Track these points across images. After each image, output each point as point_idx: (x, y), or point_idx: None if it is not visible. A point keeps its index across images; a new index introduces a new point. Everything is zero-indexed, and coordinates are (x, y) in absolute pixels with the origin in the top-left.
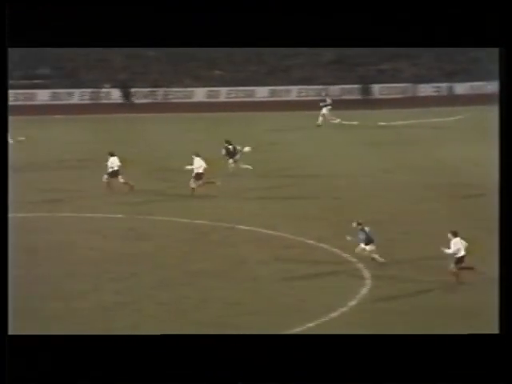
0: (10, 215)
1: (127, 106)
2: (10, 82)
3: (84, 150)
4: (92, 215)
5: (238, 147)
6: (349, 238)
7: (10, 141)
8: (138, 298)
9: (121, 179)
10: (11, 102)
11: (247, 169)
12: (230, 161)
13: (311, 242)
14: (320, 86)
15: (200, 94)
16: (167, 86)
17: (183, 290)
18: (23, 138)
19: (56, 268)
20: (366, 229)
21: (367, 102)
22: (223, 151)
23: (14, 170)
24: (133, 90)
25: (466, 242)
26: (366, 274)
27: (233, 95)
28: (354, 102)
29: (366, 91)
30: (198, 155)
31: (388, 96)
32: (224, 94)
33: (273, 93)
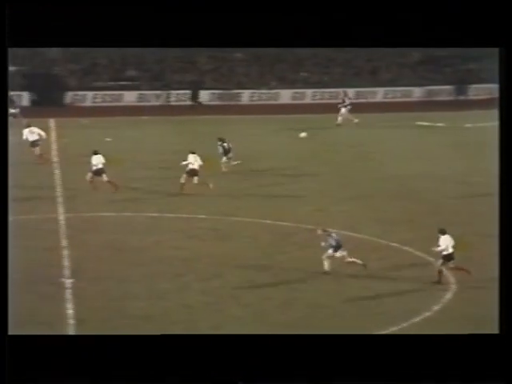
0: (100, 214)
1: (213, 107)
2: (99, 83)
3: (168, 150)
4: (176, 215)
5: (231, 145)
6: (323, 243)
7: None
8: (222, 298)
9: (105, 178)
10: (98, 103)
11: (238, 164)
12: (224, 159)
13: (395, 244)
14: (406, 88)
15: (285, 95)
16: (253, 88)
17: (266, 292)
18: (110, 139)
19: (141, 267)
20: (334, 235)
21: (454, 104)
22: (220, 149)
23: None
24: (219, 91)
25: None
26: (451, 278)
27: (318, 97)
28: (441, 103)
29: (457, 91)
30: (193, 152)
31: (477, 97)
32: (309, 95)
33: (359, 94)
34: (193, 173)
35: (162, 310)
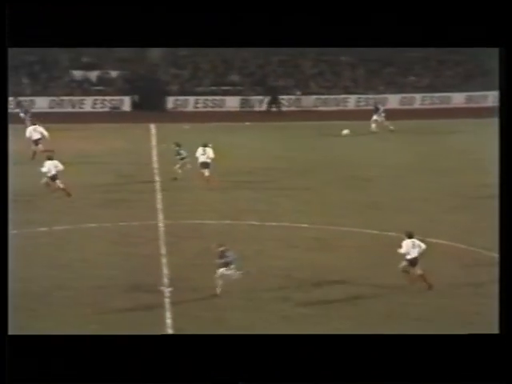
0: (201, 221)
1: (318, 112)
2: (200, 88)
3: (270, 157)
4: (278, 224)
5: (184, 151)
6: (217, 260)
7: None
8: (323, 310)
9: (60, 184)
10: (200, 108)
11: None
12: (177, 165)
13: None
14: None
15: (394, 100)
16: (360, 93)
17: (369, 304)
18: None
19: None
20: (228, 253)
21: None
22: (177, 154)
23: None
24: (324, 96)
25: None
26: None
27: (427, 102)
28: None
29: None
30: (204, 145)
31: None
32: (418, 100)
33: (470, 99)
34: (203, 166)
35: (261, 321)
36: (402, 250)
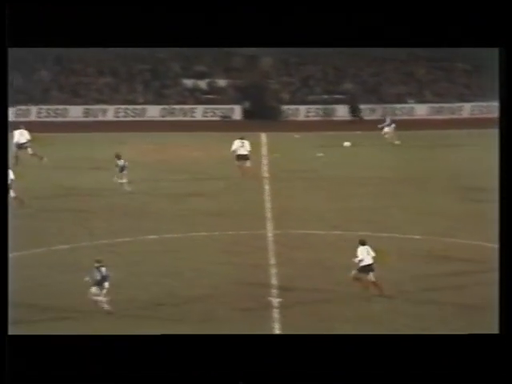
0: (310, 231)
1: (430, 121)
2: (312, 97)
3: (383, 167)
4: (389, 235)
5: (126, 163)
6: (87, 278)
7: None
8: (434, 324)
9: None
10: (311, 117)
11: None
12: (115, 178)
13: None
14: None
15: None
16: (474, 101)
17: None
18: (322, 154)
19: (349, 287)
20: (103, 269)
21: None
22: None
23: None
24: (438, 105)
25: None
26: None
27: None
28: None
29: None
30: (241, 138)
31: None
32: None
33: None
34: (242, 158)
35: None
36: (358, 258)
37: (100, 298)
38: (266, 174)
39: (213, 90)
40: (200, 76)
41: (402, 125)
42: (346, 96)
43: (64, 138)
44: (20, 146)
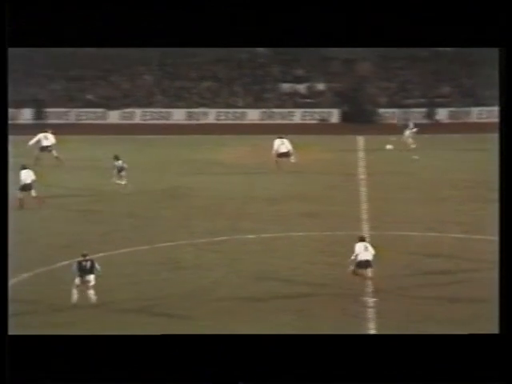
0: (405, 233)
1: None
2: (409, 101)
3: (477, 169)
4: (482, 237)
5: (125, 165)
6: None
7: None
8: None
9: (33, 193)
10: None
11: (123, 185)
12: (114, 179)
13: None
14: None
15: None
16: None
17: None
18: (417, 157)
19: (443, 288)
20: (88, 262)
21: None
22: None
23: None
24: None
25: None
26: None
27: None
28: None
29: None
30: (280, 137)
31: None
32: None
33: None
34: (284, 155)
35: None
36: (355, 253)
37: (81, 289)
38: (362, 176)
39: (311, 93)
40: (298, 80)
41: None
42: (444, 99)
43: (168, 140)
44: (43, 149)
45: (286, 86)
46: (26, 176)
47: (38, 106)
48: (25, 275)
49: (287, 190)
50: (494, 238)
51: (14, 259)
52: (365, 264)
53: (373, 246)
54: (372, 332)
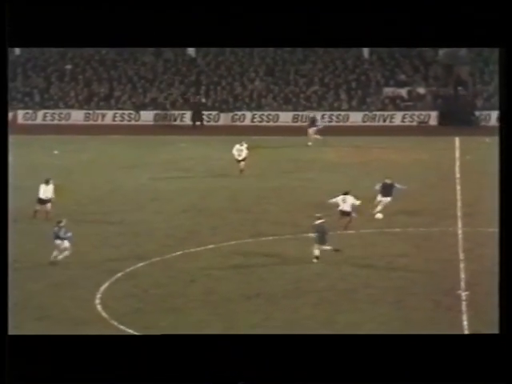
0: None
1: None
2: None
3: None
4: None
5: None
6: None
7: None
8: None
9: (48, 207)
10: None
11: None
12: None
13: None
14: None
15: None
16: None
17: None
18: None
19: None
20: (63, 229)
21: None
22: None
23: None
24: None
25: None
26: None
27: None
28: None
29: None
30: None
31: None
32: None
33: None
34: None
35: None
36: (332, 201)
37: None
38: (457, 175)
39: (412, 97)
40: (400, 85)
41: None
42: None
43: (274, 141)
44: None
45: (387, 90)
46: (46, 191)
47: (162, 108)
48: (141, 264)
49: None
50: None
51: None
52: (344, 213)
53: (468, 241)
54: (465, 324)
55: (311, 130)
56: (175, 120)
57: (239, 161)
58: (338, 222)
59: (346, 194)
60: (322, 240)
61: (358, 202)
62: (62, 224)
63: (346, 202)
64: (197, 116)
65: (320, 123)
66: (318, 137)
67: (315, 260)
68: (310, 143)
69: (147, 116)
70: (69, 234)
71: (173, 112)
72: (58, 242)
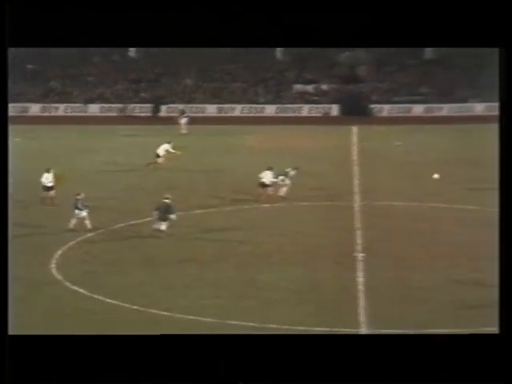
0: (392, 203)
1: None
2: (396, 98)
3: (445, 151)
4: (451, 206)
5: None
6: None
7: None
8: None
9: (52, 194)
10: (393, 113)
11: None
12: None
13: None
14: None
15: None
16: None
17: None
18: (400, 143)
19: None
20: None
21: None
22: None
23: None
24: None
25: None
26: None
27: None
28: None
29: None
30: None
31: None
32: None
33: None
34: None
35: (437, 287)
36: (261, 175)
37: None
38: (355, 158)
39: (317, 92)
40: (308, 82)
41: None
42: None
43: (202, 130)
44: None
45: (297, 87)
46: (46, 179)
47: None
48: (91, 234)
49: (304, 168)
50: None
51: None
52: (263, 185)
53: (365, 214)
54: (360, 283)
55: (182, 121)
56: (120, 112)
57: (159, 156)
58: (257, 193)
59: (268, 169)
60: (162, 217)
61: (276, 180)
62: (79, 197)
63: (266, 176)
64: (156, 108)
65: (188, 114)
66: (186, 126)
67: (162, 234)
68: (183, 131)
69: (94, 108)
70: (86, 205)
71: (117, 105)
72: (77, 211)
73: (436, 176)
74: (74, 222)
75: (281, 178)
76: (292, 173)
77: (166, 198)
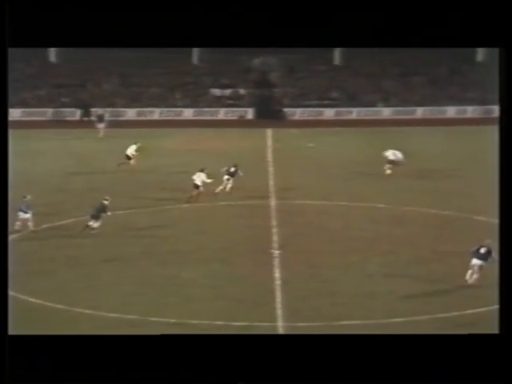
0: (305, 202)
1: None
2: (306, 102)
3: (355, 152)
4: (361, 204)
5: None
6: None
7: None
8: (394, 271)
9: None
10: (305, 117)
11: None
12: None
13: None
14: None
15: None
16: None
17: (432, 266)
18: (312, 145)
19: (333, 244)
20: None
21: None
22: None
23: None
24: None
25: None
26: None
27: None
28: None
29: None
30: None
31: None
32: None
33: None
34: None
35: (349, 280)
36: (194, 177)
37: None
38: (270, 159)
39: (233, 96)
40: (224, 86)
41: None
42: (333, 101)
43: (123, 133)
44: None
45: (214, 91)
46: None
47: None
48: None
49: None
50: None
51: None
52: (195, 186)
53: (279, 211)
54: (277, 278)
55: (100, 126)
56: (42, 116)
57: (130, 158)
58: (190, 193)
59: (201, 171)
60: (95, 217)
61: (209, 181)
62: (25, 199)
63: (199, 178)
64: (85, 112)
65: (106, 119)
66: (104, 131)
67: (93, 231)
68: (101, 135)
69: (16, 113)
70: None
71: (39, 109)
72: (21, 214)
73: (311, 145)
74: (18, 223)
75: (226, 177)
76: (239, 171)
77: (106, 200)
